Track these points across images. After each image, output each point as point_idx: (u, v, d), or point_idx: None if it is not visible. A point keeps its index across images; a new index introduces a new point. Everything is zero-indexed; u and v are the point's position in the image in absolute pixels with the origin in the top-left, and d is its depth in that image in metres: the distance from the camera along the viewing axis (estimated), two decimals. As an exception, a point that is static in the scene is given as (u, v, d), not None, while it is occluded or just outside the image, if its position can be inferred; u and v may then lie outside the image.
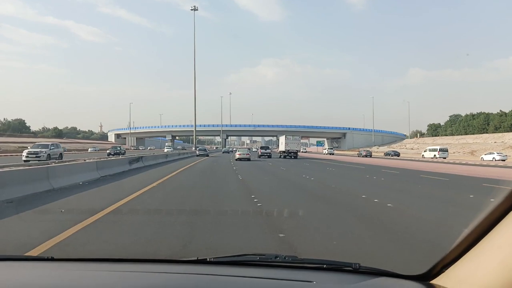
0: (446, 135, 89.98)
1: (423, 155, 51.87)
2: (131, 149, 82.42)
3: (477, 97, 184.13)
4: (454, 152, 59.82)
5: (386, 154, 62.74)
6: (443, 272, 1.28)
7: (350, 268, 1.51)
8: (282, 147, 45.54)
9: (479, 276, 1.08)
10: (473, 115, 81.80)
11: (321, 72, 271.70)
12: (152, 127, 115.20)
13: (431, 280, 1.33)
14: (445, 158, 46.39)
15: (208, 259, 1.67)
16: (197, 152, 47.44)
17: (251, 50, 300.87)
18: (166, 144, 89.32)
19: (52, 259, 1.78)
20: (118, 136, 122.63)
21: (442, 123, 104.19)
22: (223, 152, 70.67)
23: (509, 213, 1.04)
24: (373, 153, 62.04)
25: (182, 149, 66.17)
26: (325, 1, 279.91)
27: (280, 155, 45.55)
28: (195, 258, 1.70)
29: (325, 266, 1.57)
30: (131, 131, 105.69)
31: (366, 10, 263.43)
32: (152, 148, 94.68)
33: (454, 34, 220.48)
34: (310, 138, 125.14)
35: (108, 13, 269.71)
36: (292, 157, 42.40)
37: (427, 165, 31.84)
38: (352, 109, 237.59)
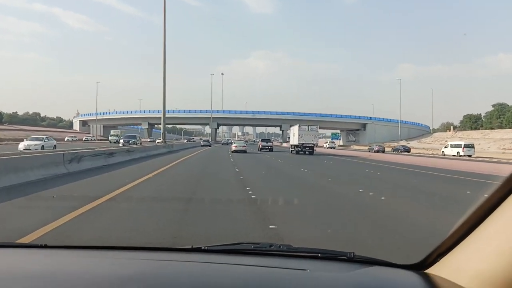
0: (492, 128, 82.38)
1: (443, 151, 50.23)
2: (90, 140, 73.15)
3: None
4: None
5: (395, 149, 62.55)
6: (438, 261, 1.37)
7: (345, 257, 1.61)
8: (294, 140, 39.06)
9: (474, 264, 1.17)
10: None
11: (313, 65, 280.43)
12: (124, 112, 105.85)
13: (426, 269, 1.41)
14: (470, 155, 44.20)
15: (203, 247, 1.76)
16: (201, 143, 59.87)
17: (241, 41, 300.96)
18: (112, 132, 65.62)
19: (45, 246, 1.89)
20: (83, 123, 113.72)
21: (483, 114, 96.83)
22: (222, 144, 78.23)
23: (503, 202, 1.11)
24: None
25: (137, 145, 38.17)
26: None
27: (292, 150, 39.71)
28: (190, 247, 1.78)
29: (319, 255, 1.67)
30: (98, 117, 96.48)
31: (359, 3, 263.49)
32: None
33: (445, 30, 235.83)
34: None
35: (99, 1, 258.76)
36: (307, 152, 37.17)
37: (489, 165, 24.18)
38: (354, 102, 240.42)
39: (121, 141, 48.72)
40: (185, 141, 77.02)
